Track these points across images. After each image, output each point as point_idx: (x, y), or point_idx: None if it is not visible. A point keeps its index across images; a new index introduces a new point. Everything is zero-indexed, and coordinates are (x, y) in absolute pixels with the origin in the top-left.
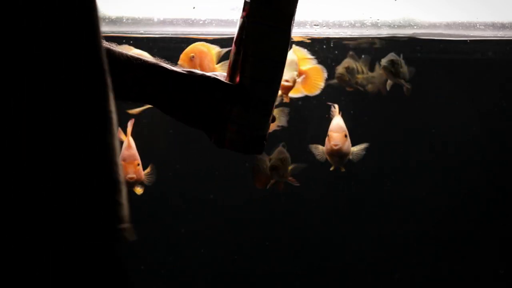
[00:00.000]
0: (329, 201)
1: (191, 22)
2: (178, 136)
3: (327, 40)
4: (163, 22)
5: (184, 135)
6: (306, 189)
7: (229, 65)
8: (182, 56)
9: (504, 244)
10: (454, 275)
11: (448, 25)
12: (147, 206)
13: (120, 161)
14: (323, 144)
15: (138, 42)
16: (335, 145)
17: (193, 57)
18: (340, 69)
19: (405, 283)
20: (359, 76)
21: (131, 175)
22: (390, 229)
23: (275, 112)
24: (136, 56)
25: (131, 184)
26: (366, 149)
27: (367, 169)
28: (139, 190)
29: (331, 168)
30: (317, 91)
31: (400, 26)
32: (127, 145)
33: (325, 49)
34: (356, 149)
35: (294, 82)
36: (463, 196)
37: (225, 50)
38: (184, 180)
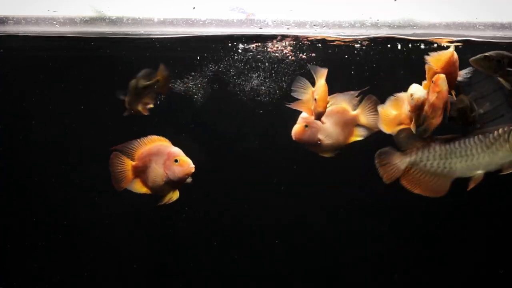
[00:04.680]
0: (328, 203)
1: (191, 22)
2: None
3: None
4: (163, 22)
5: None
6: (305, 189)
7: None
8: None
9: (503, 244)
10: (455, 275)
11: (448, 25)
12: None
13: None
14: None
15: (138, 42)
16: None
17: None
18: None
19: (405, 283)
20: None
21: (192, 165)
22: (390, 230)
23: None
24: None
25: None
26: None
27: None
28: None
29: None
30: None
31: (400, 26)
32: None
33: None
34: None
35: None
36: (464, 196)
37: None
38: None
